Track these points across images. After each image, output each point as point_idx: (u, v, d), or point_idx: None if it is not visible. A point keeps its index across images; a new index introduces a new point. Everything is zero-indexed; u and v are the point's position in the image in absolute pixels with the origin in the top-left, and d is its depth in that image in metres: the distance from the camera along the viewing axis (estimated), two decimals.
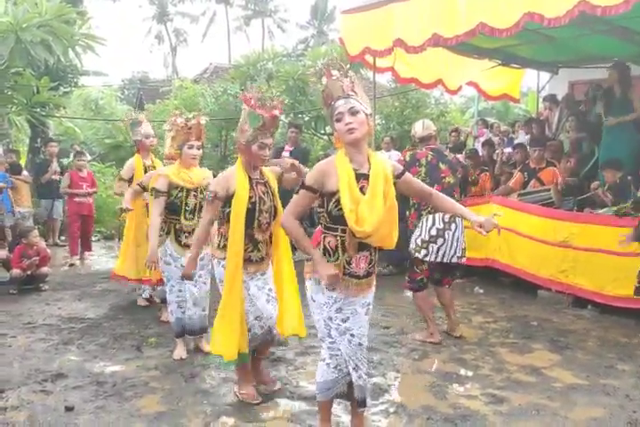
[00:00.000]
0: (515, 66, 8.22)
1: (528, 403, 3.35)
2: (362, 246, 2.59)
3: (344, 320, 2.66)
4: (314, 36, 38.05)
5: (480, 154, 7.86)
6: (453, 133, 9.54)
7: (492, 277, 6.43)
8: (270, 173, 3.39)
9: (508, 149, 7.93)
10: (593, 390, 3.53)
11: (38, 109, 8.22)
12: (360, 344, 2.69)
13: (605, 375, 3.78)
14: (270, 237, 3.37)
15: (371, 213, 2.47)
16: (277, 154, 7.93)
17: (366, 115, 2.53)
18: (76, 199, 8.12)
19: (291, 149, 7.86)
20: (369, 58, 6.99)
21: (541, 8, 4.80)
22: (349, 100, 2.50)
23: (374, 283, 2.76)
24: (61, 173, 8.84)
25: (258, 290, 3.31)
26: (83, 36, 6.27)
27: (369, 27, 6.46)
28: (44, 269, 6.36)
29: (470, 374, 3.85)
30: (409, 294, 5.87)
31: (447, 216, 4.32)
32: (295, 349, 4.23)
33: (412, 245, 4.43)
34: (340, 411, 3.17)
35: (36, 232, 6.56)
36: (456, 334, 4.56)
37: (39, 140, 11.16)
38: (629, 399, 3.40)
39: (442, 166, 4.43)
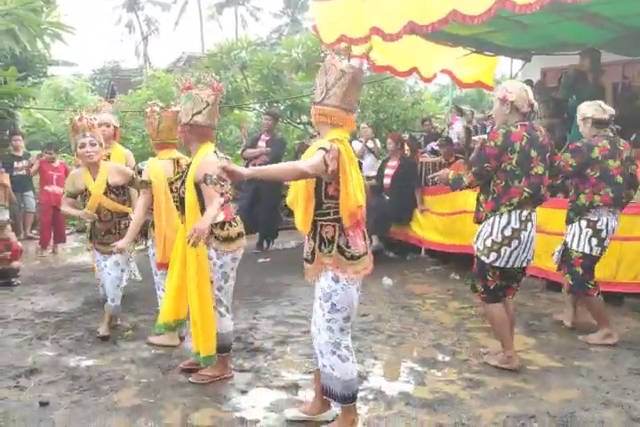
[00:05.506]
0: (488, 53, 8.23)
1: (504, 386, 3.40)
2: None
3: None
4: (288, 25, 37.76)
5: (456, 141, 7.91)
6: (426, 123, 9.57)
7: (468, 263, 6.46)
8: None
9: (484, 136, 7.99)
10: (567, 372, 3.60)
11: (6, 100, 8.02)
12: (311, 331, 2.82)
13: (579, 357, 3.85)
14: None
15: None
16: (253, 143, 7.85)
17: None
18: (48, 188, 7.95)
19: (267, 138, 7.77)
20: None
21: None
22: None
23: (320, 273, 2.71)
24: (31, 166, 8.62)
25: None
26: (50, 25, 6.13)
27: (343, 15, 6.40)
28: (16, 264, 6.24)
29: (448, 359, 3.89)
30: (387, 281, 5.93)
31: (525, 213, 3.51)
32: (274, 338, 4.23)
33: (480, 246, 3.61)
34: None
35: (8, 226, 6.43)
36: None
37: (7, 132, 10.90)
38: (603, 380, 3.47)
39: (533, 154, 3.52)
